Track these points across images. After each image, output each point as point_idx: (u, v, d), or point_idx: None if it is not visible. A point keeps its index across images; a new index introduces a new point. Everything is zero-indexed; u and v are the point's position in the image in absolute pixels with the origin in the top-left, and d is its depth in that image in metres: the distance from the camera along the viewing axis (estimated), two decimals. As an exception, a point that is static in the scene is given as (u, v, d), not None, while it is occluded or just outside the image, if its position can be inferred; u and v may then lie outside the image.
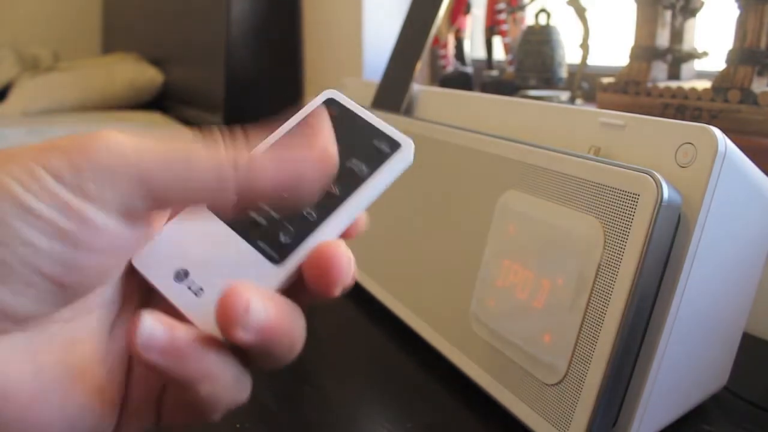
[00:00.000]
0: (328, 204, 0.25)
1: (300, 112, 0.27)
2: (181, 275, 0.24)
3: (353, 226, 0.26)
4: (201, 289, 0.23)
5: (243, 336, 0.20)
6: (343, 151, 0.25)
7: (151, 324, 0.20)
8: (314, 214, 0.25)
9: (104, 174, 0.20)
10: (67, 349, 0.21)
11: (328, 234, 0.24)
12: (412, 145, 0.26)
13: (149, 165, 0.21)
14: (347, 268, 0.23)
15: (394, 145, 0.26)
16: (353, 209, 0.25)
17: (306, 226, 0.25)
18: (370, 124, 0.27)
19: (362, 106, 0.27)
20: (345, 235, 0.26)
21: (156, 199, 0.21)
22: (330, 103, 0.28)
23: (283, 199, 0.23)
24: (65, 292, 0.20)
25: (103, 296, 0.23)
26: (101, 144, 0.20)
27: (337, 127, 0.26)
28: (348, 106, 0.27)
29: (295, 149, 0.23)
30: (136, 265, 0.24)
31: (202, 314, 0.23)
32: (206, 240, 0.24)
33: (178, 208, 0.24)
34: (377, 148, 0.26)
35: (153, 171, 0.21)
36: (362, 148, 0.26)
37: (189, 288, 0.23)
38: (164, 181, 0.21)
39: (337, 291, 0.23)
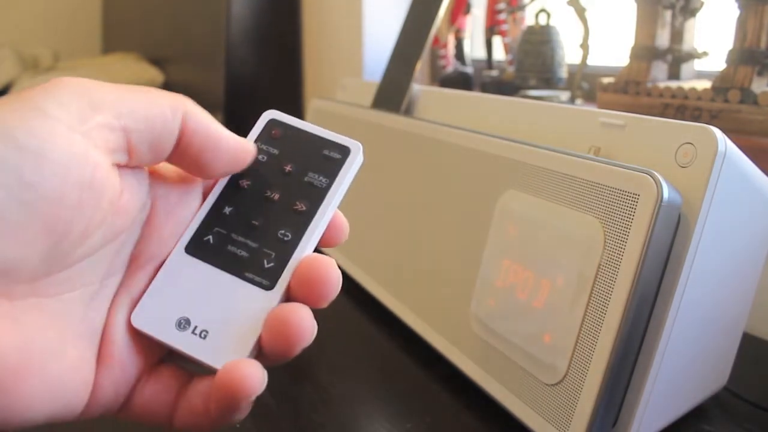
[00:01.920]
0: (299, 221, 0.26)
1: (248, 137, 0.28)
2: (183, 324, 0.24)
3: (336, 234, 0.27)
4: (206, 332, 0.24)
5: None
6: (299, 167, 0.27)
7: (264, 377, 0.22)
8: (289, 234, 0.26)
9: (85, 105, 0.21)
10: (50, 324, 0.21)
11: (306, 249, 0.26)
12: (360, 146, 0.28)
13: (119, 98, 0.22)
14: (333, 275, 0.24)
15: (344, 150, 0.28)
16: (323, 219, 0.26)
17: (285, 247, 0.26)
18: (317, 135, 0.28)
19: (303, 121, 0.29)
20: (329, 243, 0.27)
21: (126, 125, 0.22)
22: (273, 124, 0.29)
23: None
24: (59, 241, 0.20)
25: (87, 276, 0.23)
26: (73, 82, 0.21)
27: (287, 145, 0.28)
28: (290, 123, 0.29)
29: None
30: (136, 324, 0.24)
31: (215, 355, 0.24)
32: (196, 284, 0.25)
33: (144, 146, 0.24)
34: (329, 157, 0.28)
35: (120, 101, 0.22)
36: (316, 160, 0.28)
37: (194, 333, 0.24)
38: (131, 107, 0.22)
39: (328, 297, 0.24)
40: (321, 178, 0.27)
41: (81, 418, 0.23)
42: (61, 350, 0.21)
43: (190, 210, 0.26)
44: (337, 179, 0.27)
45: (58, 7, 2.02)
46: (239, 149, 0.25)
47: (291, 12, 1.24)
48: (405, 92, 0.59)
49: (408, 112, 0.59)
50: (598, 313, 0.32)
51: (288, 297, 0.25)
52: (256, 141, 0.28)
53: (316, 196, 0.27)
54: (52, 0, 2.01)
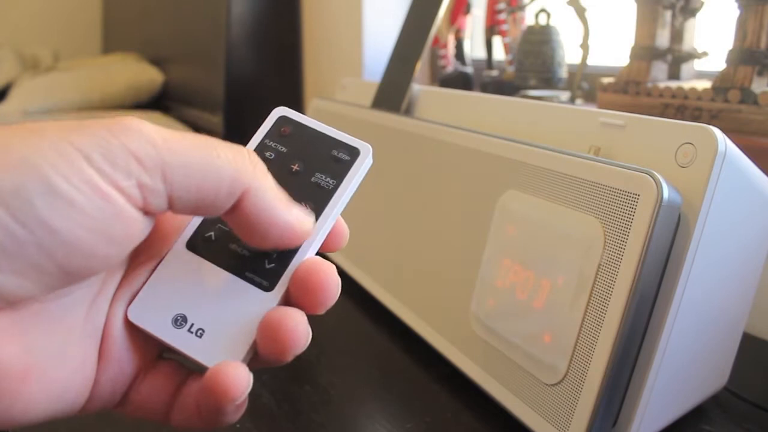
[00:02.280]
0: None
1: (256, 133, 0.28)
2: (180, 321, 0.24)
3: (337, 239, 0.26)
4: (201, 330, 0.24)
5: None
6: (306, 167, 0.27)
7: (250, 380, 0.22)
8: None
9: (132, 159, 0.19)
10: (52, 329, 0.21)
11: (308, 251, 0.25)
12: (370, 149, 0.27)
13: (174, 155, 0.20)
14: (331, 283, 0.24)
15: (353, 152, 0.27)
16: (328, 222, 0.26)
17: (288, 250, 0.25)
18: (326, 135, 0.28)
19: (313, 119, 0.28)
20: (328, 249, 0.26)
21: (172, 191, 0.21)
22: (283, 121, 0.28)
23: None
24: (67, 277, 0.20)
25: (87, 280, 0.23)
26: (132, 128, 0.20)
27: (295, 144, 0.27)
28: (301, 120, 0.28)
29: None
30: (132, 318, 0.24)
31: (210, 354, 0.23)
32: (195, 281, 0.25)
33: (187, 210, 0.23)
34: (338, 158, 0.27)
35: (176, 160, 0.20)
36: (324, 161, 0.27)
37: (189, 332, 0.24)
38: (184, 172, 0.20)
39: (325, 304, 0.24)
40: (328, 179, 0.27)
41: (80, 414, 0.23)
42: (65, 352, 0.21)
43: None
44: (345, 181, 0.26)
45: (58, 7, 2.02)
46: (291, 234, 0.23)
47: (291, 12, 1.24)
48: (405, 92, 0.59)
49: (408, 112, 0.59)
50: (598, 313, 0.32)
51: (286, 300, 0.25)
52: (264, 138, 0.27)
53: (322, 198, 0.26)
54: (52, 0, 2.01)
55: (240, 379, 0.22)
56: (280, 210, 0.23)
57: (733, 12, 0.55)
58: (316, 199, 0.26)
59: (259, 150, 0.27)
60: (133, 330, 0.24)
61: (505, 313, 0.38)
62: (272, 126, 0.28)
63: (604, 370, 0.31)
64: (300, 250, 0.25)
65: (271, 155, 0.27)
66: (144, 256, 0.25)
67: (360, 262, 0.57)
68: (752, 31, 0.53)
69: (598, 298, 0.32)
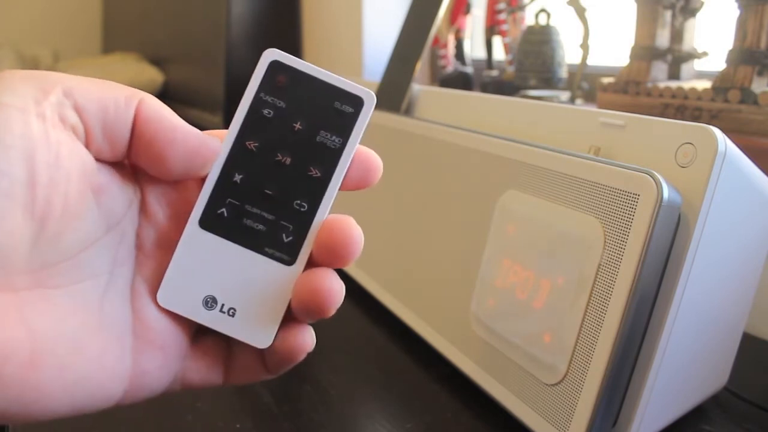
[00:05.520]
0: (314, 188, 0.25)
1: (249, 86, 0.25)
2: (210, 302, 0.25)
3: (367, 176, 0.26)
4: (233, 309, 0.24)
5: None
6: (309, 124, 0.25)
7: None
8: (305, 204, 0.25)
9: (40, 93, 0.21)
10: (63, 317, 0.21)
11: (324, 215, 0.25)
12: (374, 96, 0.25)
13: (71, 78, 0.22)
14: (354, 235, 0.24)
15: (357, 102, 0.25)
16: (336, 183, 0.25)
17: (302, 218, 0.25)
18: (326, 82, 0.25)
19: (308, 63, 0.25)
20: (359, 186, 0.26)
21: (75, 102, 0.22)
22: (277, 68, 0.25)
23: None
24: (43, 229, 0.21)
25: (92, 266, 0.23)
26: (20, 72, 0.21)
27: (294, 96, 0.25)
28: (296, 66, 0.25)
29: None
30: (163, 304, 0.24)
31: (246, 331, 0.24)
32: (216, 260, 0.25)
33: (97, 127, 0.23)
34: (341, 111, 0.25)
35: (73, 80, 0.22)
36: (327, 116, 0.25)
37: (221, 312, 0.24)
38: (85, 86, 0.22)
39: (353, 257, 0.24)
40: (334, 137, 0.25)
41: (122, 405, 0.23)
42: (80, 342, 0.22)
43: (185, 190, 0.25)
44: (351, 138, 0.25)
45: (58, 7, 2.02)
46: (198, 143, 0.23)
47: (291, 12, 1.24)
48: (405, 92, 0.59)
49: (408, 112, 0.59)
50: (598, 313, 0.32)
51: (310, 260, 0.25)
52: (259, 91, 0.25)
53: (329, 159, 0.25)
54: (52, 0, 2.01)
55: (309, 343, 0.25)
56: (180, 120, 0.23)
57: (733, 12, 0.55)
58: (324, 162, 0.25)
59: (256, 107, 0.25)
60: (167, 315, 0.24)
61: (505, 313, 0.38)
62: (265, 75, 0.25)
63: (604, 370, 0.31)
64: (315, 217, 0.25)
65: (269, 113, 0.25)
66: (148, 245, 0.25)
67: (359, 262, 0.57)
68: (752, 31, 0.53)
69: (598, 298, 0.32)
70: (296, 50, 1.25)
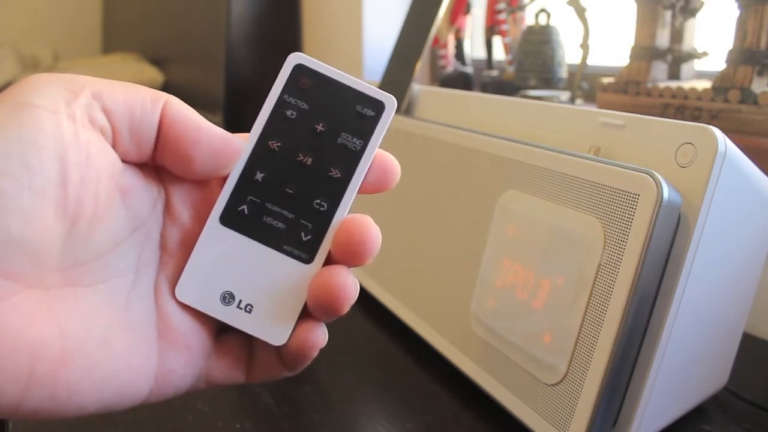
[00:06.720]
0: (334, 189, 0.25)
1: (273, 88, 0.26)
2: (227, 298, 0.25)
3: (385, 179, 0.26)
4: (250, 306, 0.25)
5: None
6: (331, 126, 0.25)
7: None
8: (325, 204, 0.25)
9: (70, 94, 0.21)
10: (91, 315, 0.22)
11: (342, 215, 0.25)
12: (394, 101, 0.26)
13: (98, 82, 0.22)
14: (372, 234, 0.24)
15: (378, 106, 0.26)
16: (356, 185, 0.26)
17: (321, 218, 0.25)
18: (349, 86, 0.26)
19: (332, 67, 0.26)
20: (377, 190, 0.26)
21: (103, 104, 0.22)
22: (301, 72, 0.26)
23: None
24: (75, 228, 0.21)
25: (118, 266, 0.23)
26: (49, 75, 0.22)
27: (317, 99, 0.26)
28: (320, 70, 0.26)
29: None
30: (181, 298, 0.24)
31: (263, 327, 0.25)
32: (235, 256, 0.25)
33: (124, 128, 0.24)
34: (363, 115, 0.26)
35: (101, 83, 0.22)
36: (349, 119, 0.26)
37: (239, 308, 0.25)
38: (110, 88, 0.22)
39: (370, 256, 0.25)
40: (355, 140, 0.25)
41: (147, 403, 0.24)
42: (107, 340, 0.22)
43: (208, 190, 0.26)
44: (372, 140, 0.25)
45: (58, 7, 2.02)
46: (223, 143, 0.24)
47: (291, 12, 1.24)
48: (405, 92, 0.59)
49: (408, 112, 0.59)
50: (598, 313, 0.32)
51: (328, 258, 0.25)
52: (283, 93, 0.25)
53: (350, 161, 0.25)
54: (52, 0, 2.01)
55: (322, 339, 0.25)
56: (205, 120, 0.24)
57: (733, 12, 0.55)
58: (344, 163, 0.25)
59: (279, 108, 0.25)
60: (190, 314, 0.25)
61: (505, 313, 0.38)
62: (289, 78, 0.26)
63: (604, 370, 0.31)
64: (334, 217, 0.25)
65: (292, 114, 0.25)
66: (171, 245, 0.25)
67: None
68: (752, 31, 0.53)
69: (598, 298, 0.32)
70: (296, 50, 1.25)
